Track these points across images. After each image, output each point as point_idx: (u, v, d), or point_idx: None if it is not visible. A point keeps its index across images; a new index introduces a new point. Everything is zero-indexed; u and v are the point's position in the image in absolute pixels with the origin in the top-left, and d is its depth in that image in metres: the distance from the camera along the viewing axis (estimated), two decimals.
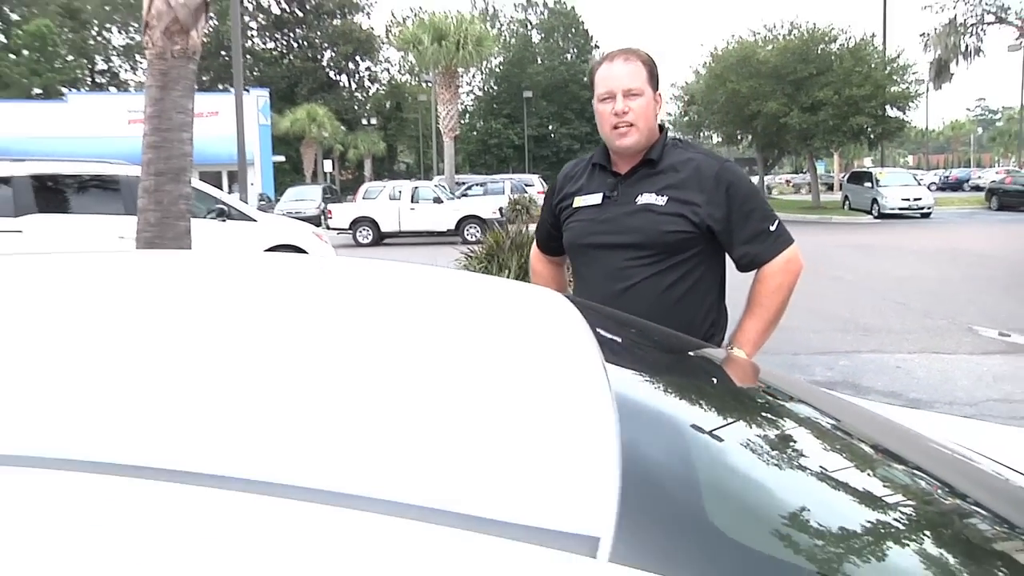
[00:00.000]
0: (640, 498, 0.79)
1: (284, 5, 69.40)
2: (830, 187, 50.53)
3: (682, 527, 0.81)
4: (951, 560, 1.03)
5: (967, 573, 1.02)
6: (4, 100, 44.68)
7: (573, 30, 75.65)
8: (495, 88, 73.23)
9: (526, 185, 30.43)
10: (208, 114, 33.48)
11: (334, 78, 70.85)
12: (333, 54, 69.79)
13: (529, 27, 77.46)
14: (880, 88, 31.78)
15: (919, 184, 33.69)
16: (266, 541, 0.65)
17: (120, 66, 67.67)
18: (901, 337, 8.65)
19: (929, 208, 30.80)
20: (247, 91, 34.69)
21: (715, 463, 1.08)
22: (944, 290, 11.95)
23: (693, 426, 1.19)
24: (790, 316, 8.55)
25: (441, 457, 0.83)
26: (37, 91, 52.01)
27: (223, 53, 55.23)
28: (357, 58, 71.01)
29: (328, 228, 23.54)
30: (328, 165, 54.14)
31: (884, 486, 1.25)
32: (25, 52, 54.90)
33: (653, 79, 2.45)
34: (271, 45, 70.12)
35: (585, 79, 2.52)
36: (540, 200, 16.95)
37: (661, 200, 2.42)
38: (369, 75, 73.80)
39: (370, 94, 73.07)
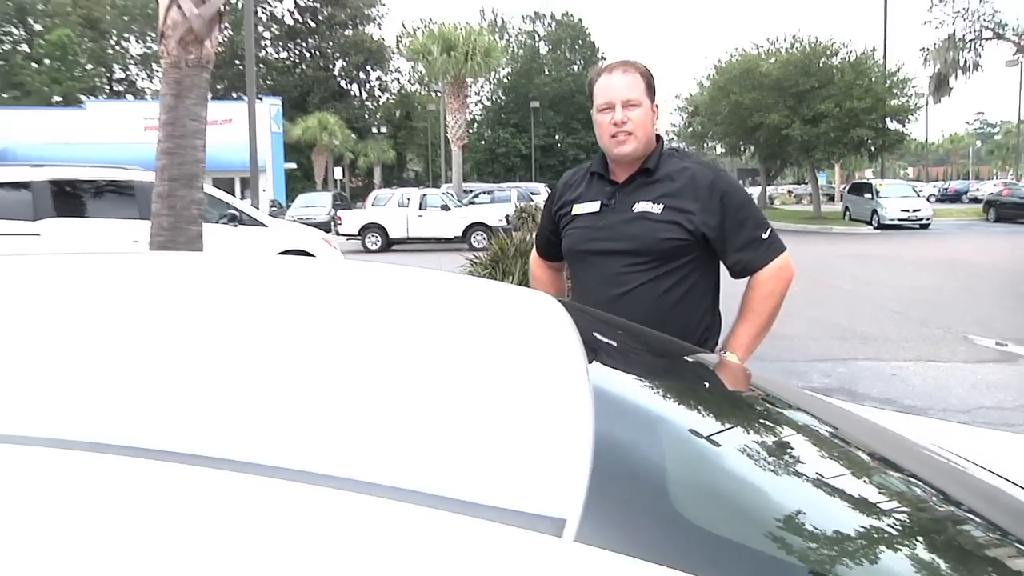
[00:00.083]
0: (609, 485, 0.83)
1: (297, 16, 69.73)
2: (831, 198, 50.49)
3: (647, 513, 0.85)
4: (917, 553, 1.05)
5: (941, 570, 1.04)
6: (26, 107, 45.01)
7: (580, 42, 75.73)
8: (503, 98, 73.34)
9: (532, 193, 30.43)
10: (222, 122, 33.60)
11: (345, 87, 71.10)
12: (344, 64, 70.03)
13: (537, 39, 77.58)
14: (880, 101, 31.75)
15: (918, 196, 33.64)
16: (254, 517, 0.69)
17: (137, 74, 68.12)
18: (898, 345, 8.65)
19: (928, 219, 30.76)
20: (260, 99, 34.82)
21: (685, 456, 1.12)
22: (941, 299, 11.94)
23: (668, 421, 1.23)
24: (789, 324, 8.60)
25: (422, 443, 0.86)
26: (57, 99, 52.32)
27: (237, 62, 55.44)
28: (368, 68, 71.28)
29: (338, 234, 23.58)
30: (339, 172, 54.27)
31: (852, 478, 1.29)
32: (47, 61, 55.30)
33: (651, 90, 2.47)
34: (284, 55, 70.40)
35: None
36: None
37: (657, 208, 2.44)
38: (379, 84, 74.17)
39: (380, 103, 73.33)
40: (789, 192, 65.58)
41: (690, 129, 45.03)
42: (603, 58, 74.03)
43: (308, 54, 70.22)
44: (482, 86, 71.78)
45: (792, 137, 33.05)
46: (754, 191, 55.31)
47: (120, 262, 1.79)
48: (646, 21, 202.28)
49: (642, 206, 2.45)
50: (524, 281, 7.45)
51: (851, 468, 1.34)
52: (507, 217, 23.47)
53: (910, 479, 1.38)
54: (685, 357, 1.87)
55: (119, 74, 67.93)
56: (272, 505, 0.70)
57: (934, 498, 1.33)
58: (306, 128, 50.87)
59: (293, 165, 47.38)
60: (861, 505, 1.17)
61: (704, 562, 0.75)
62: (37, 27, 60.12)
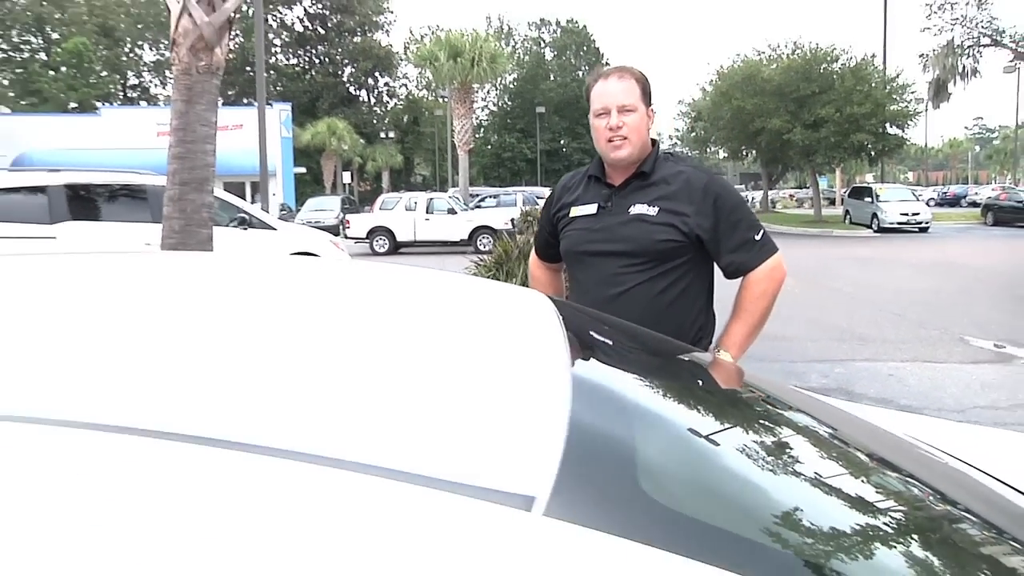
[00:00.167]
0: (581, 467, 0.87)
1: (307, 23, 69.85)
2: (832, 201, 50.47)
3: (615, 493, 0.90)
4: (889, 540, 1.08)
5: (915, 560, 1.07)
6: (43, 114, 45.22)
7: (585, 48, 75.78)
8: (509, 103, 73.41)
9: (537, 197, 30.43)
10: (233, 127, 33.69)
11: (354, 93, 71.20)
12: (353, 70, 70.13)
13: (542, 45, 77.65)
14: (880, 106, 31.73)
15: (918, 200, 33.59)
16: (241, 490, 0.74)
17: (151, 81, 68.30)
18: (895, 346, 8.65)
19: (927, 223, 30.70)
20: (270, 105, 34.97)
21: (656, 441, 1.17)
22: (938, 302, 11.93)
23: (644, 410, 1.28)
24: (789, 325, 8.61)
25: (404, 426, 0.92)
26: (73, 105, 52.53)
27: (248, 68, 55.54)
28: (376, 74, 71.36)
29: (346, 237, 23.63)
30: (347, 177, 54.33)
31: (821, 461, 1.33)
32: (63, 69, 55.54)
33: (646, 96, 2.50)
34: (294, 61, 70.53)
35: None
36: None
37: (653, 211, 2.46)
38: (387, 90, 74.23)
39: (388, 108, 73.39)
40: (791, 196, 65.49)
41: (693, 134, 45.11)
42: (607, 64, 74.04)
43: (318, 60, 70.36)
44: (488, 92, 71.94)
45: (793, 142, 33.04)
46: (756, 195, 55.37)
47: (136, 261, 1.84)
48: (649, 28, 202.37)
49: (638, 208, 2.48)
50: (527, 283, 7.46)
51: (820, 451, 1.39)
52: (512, 221, 23.50)
53: (876, 463, 1.41)
54: (668, 352, 1.91)
55: (133, 81, 68.17)
56: (260, 482, 0.75)
57: (901, 479, 1.37)
58: (315, 133, 50.97)
59: (303, 169, 47.47)
60: (823, 484, 1.22)
61: (665, 537, 0.79)
62: (54, 36, 60.46)
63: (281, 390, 0.98)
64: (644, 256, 2.47)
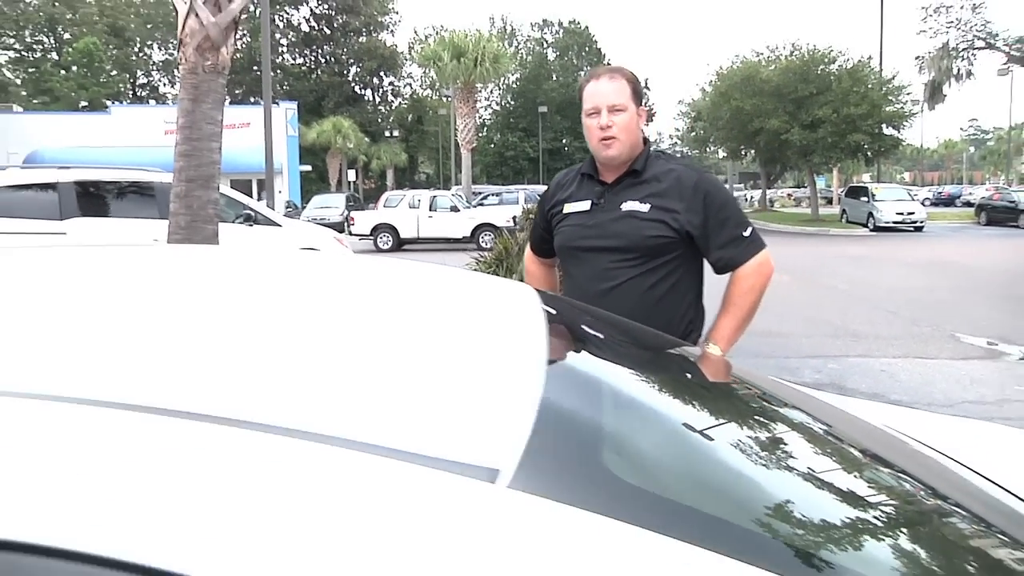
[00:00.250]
0: (547, 444, 0.92)
1: (313, 23, 69.82)
2: (829, 201, 50.36)
3: (579, 469, 0.95)
4: (847, 515, 1.11)
5: (873, 537, 1.10)
6: (54, 112, 45.27)
7: (587, 49, 75.71)
8: (512, 103, 73.37)
9: (539, 196, 30.36)
10: (240, 125, 33.74)
11: (359, 92, 71.19)
12: (358, 69, 70.11)
13: (545, 45, 77.59)
14: (876, 108, 31.71)
15: (913, 199, 33.58)
16: (213, 461, 0.79)
17: (159, 80, 68.37)
18: (888, 343, 8.67)
19: (922, 222, 30.70)
20: (276, 104, 34.96)
21: (625, 423, 1.22)
22: (931, 299, 11.95)
23: (615, 394, 1.33)
24: (784, 322, 8.62)
25: (380, 402, 0.97)
26: (84, 104, 52.60)
27: (255, 68, 55.59)
28: (381, 73, 71.34)
29: (351, 234, 23.68)
30: (352, 175, 54.28)
31: (777, 439, 1.38)
32: (74, 68, 55.69)
33: (636, 95, 2.52)
34: (300, 61, 70.52)
35: None
36: None
37: (644, 207, 2.49)
38: (392, 89, 74.23)
39: (393, 108, 73.38)
40: (789, 195, 65.37)
41: (693, 133, 45.09)
42: (609, 64, 74.00)
43: (323, 60, 70.34)
44: (492, 91, 71.88)
45: (791, 142, 33.03)
46: (755, 194, 55.30)
47: (140, 253, 1.88)
48: (650, 29, 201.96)
49: (630, 205, 2.50)
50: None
51: (787, 434, 1.43)
52: (514, 218, 23.50)
53: (841, 444, 1.45)
54: (646, 342, 1.94)
55: (142, 80, 68.25)
56: (229, 452, 0.79)
57: (867, 460, 1.40)
58: (321, 132, 50.97)
59: (308, 167, 47.44)
60: (786, 462, 1.27)
61: (626, 510, 0.83)
62: (66, 36, 60.61)
63: (259, 367, 1.04)
64: (635, 252, 2.49)
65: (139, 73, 67.53)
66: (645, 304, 2.48)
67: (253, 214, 11.73)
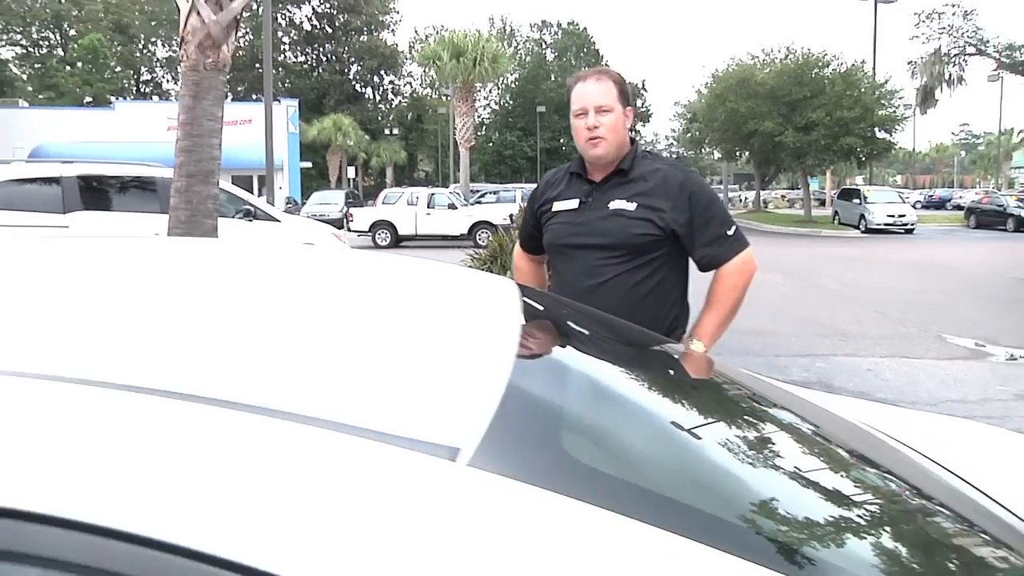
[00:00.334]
0: (510, 426, 0.96)
1: (315, 22, 69.75)
2: (823, 202, 50.45)
3: (538, 450, 1.00)
4: (803, 497, 1.15)
5: (827, 515, 1.12)
6: (59, 107, 45.20)
7: (585, 50, 75.67)
8: (511, 103, 73.32)
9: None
10: (241, 122, 33.66)
11: (360, 90, 71.13)
12: (359, 68, 70.05)
13: (543, 46, 77.54)
14: (869, 111, 31.78)
15: (904, 202, 33.63)
16: (186, 437, 0.83)
17: (163, 77, 68.30)
18: (875, 342, 8.70)
19: (912, 224, 30.74)
20: (278, 101, 34.89)
21: (588, 409, 1.27)
22: (919, 300, 11.98)
23: (583, 382, 1.36)
24: (775, 321, 8.64)
25: (344, 382, 1.03)
26: (88, 99, 52.54)
27: (257, 65, 55.50)
28: (382, 72, 71.29)
29: (349, 230, 23.67)
30: (352, 172, 54.23)
31: (731, 424, 1.42)
32: (79, 64, 55.63)
33: (623, 96, 2.54)
34: (302, 59, 70.44)
35: None
36: None
37: (631, 206, 2.51)
38: (392, 88, 74.19)
39: (393, 106, 73.32)
40: (782, 196, 65.45)
41: (688, 135, 45.09)
42: (606, 65, 74.01)
43: (325, 58, 70.26)
44: (491, 91, 71.84)
45: (785, 144, 33.09)
46: (749, 195, 55.33)
47: (140, 244, 1.92)
48: (648, 31, 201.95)
49: (617, 204, 2.53)
50: None
51: (743, 417, 1.49)
52: (511, 216, 23.51)
53: (796, 426, 1.48)
54: (622, 335, 1.98)
55: (146, 76, 68.18)
56: (201, 429, 0.84)
57: (829, 448, 1.43)
58: (322, 129, 50.90)
59: (309, 164, 47.39)
60: (739, 448, 1.31)
61: (580, 489, 0.86)
62: (71, 32, 60.59)
63: (232, 348, 1.09)
64: (622, 249, 2.51)
65: (143, 69, 67.47)
66: (631, 300, 2.51)
67: (252, 210, 11.75)
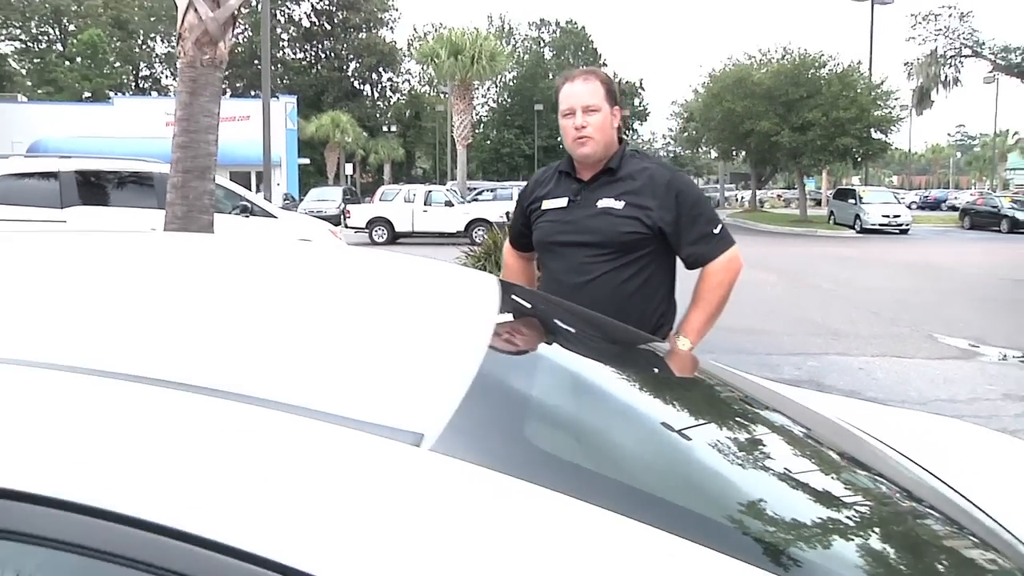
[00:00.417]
0: (474, 414, 1.00)
1: (314, 19, 69.71)
2: (819, 202, 50.48)
3: (503, 438, 1.04)
4: (765, 485, 1.18)
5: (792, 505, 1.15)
6: (58, 102, 45.15)
7: (583, 48, 75.67)
8: (509, 101, 73.25)
9: None
10: (240, 118, 33.65)
11: (358, 87, 71.11)
12: (358, 65, 70.02)
13: (542, 44, 77.50)
14: (865, 112, 31.79)
15: (899, 202, 33.67)
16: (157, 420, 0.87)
17: (162, 72, 68.19)
18: (867, 342, 8.72)
19: (907, 225, 30.78)
20: (276, 98, 34.86)
21: (553, 400, 1.31)
22: (912, 300, 12.02)
23: (553, 373, 1.39)
24: (768, 320, 8.66)
25: (323, 372, 1.07)
26: (87, 94, 52.49)
27: (256, 62, 55.42)
28: (380, 69, 71.28)
29: (346, 227, 23.67)
30: (350, 168, 54.20)
31: (694, 412, 1.45)
32: (78, 59, 55.58)
33: (611, 96, 2.56)
34: (301, 55, 70.41)
35: None
36: None
37: (619, 204, 2.54)
38: (391, 85, 74.18)
39: (391, 103, 73.31)
40: (779, 196, 65.44)
41: (685, 134, 45.10)
42: (605, 64, 74.02)
43: (323, 55, 70.21)
44: (489, 88, 71.80)
45: (781, 144, 33.10)
46: (745, 194, 55.36)
47: (123, 240, 1.95)
48: (646, 30, 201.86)
49: (605, 202, 2.55)
50: None
51: (704, 409, 1.52)
52: (507, 214, 23.41)
53: (759, 414, 1.51)
54: (598, 329, 2.01)
55: (145, 72, 68.09)
56: (173, 412, 0.88)
57: (796, 435, 1.46)
58: (320, 126, 50.88)
59: (307, 161, 47.36)
60: (700, 436, 1.35)
61: (539, 475, 0.90)
62: (70, 27, 60.51)
63: (213, 337, 1.14)
64: (610, 247, 2.54)
65: (142, 65, 67.37)
66: (619, 297, 2.53)
67: (249, 206, 11.77)
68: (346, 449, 0.85)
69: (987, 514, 1.39)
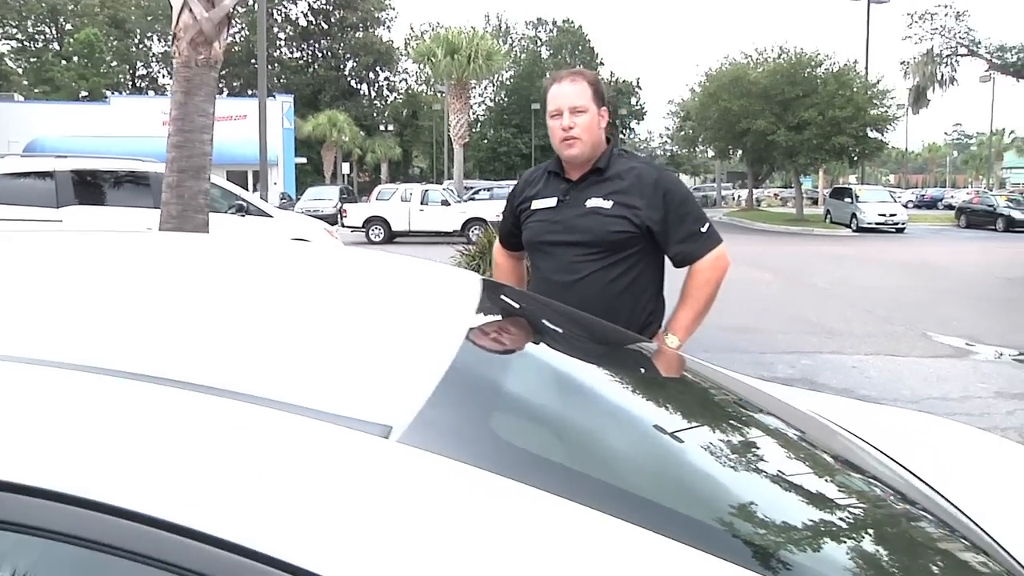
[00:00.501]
0: (444, 407, 1.03)
1: (311, 18, 69.67)
2: (815, 201, 50.52)
3: (470, 431, 1.07)
4: (727, 474, 1.20)
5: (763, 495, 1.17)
6: (55, 101, 45.12)
7: (580, 48, 75.69)
8: (506, 100, 73.28)
9: None
10: (236, 117, 33.62)
11: (355, 86, 71.07)
12: (355, 64, 69.99)
13: (539, 44, 77.55)
14: (861, 111, 31.81)
15: (895, 201, 33.71)
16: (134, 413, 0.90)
17: (159, 71, 68.14)
18: (861, 340, 8.75)
19: (903, 223, 30.82)
20: (273, 97, 34.85)
21: (527, 394, 1.35)
22: (907, 299, 12.05)
23: (526, 369, 1.42)
24: (763, 318, 8.68)
25: (296, 366, 1.10)
26: (84, 94, 52.44)
27: (253, 61, 55.32)
28: (377, 68, 71.25)
29: (343, 226, 23.67)
30: (347, 167, 54.15)
31: (669, 405, 1.47)
32: (75, 58, 55.54)
33: (598, 96, 2.59)
34: (297, 55, 70.38)
35: None
36: None
37: (607, 204, 2.56)
38: (388, 84, 74.14)
39: (388, 102, 73.28)
40: (775, 195, 65.48)
41: (682, 133, 45.18)
42: (601, 63, 74.16)
43: (320, 54, 70.19)
44: (486, 88, 71.82)
45: (777, 143, 33.13)
46: (742, 193, 55.38)
47: (112, 240, 1.97)
48: (642, 29, 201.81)
49: (594, 202, 2.57)
50: None
51: (672, 401, 1.54)
52: (503, 212, 23.45)
53: (736, 405, 1.53)
54: (577, 326, 2.04)
55: (142, 71, 68.07)
56: (147, 404, 0.90)
57: (765, 424, 1.49)
58: (317, 125, 50.83)
59: (304, 160, 47.36)
60: (668, 429, 1.38)
61: (505, 466, 0.93)
62: (67, 26, 60.46)
63: (194, 332, 1.18)
64: (599, 246, 2.56)
65: (139, 64, 67.33)
66: (608, 296, 2.56)
67: (245, 205, 11.79)
68: (313, 440, 0.88)
69: (964, 512, 1.40)
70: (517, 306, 1.99)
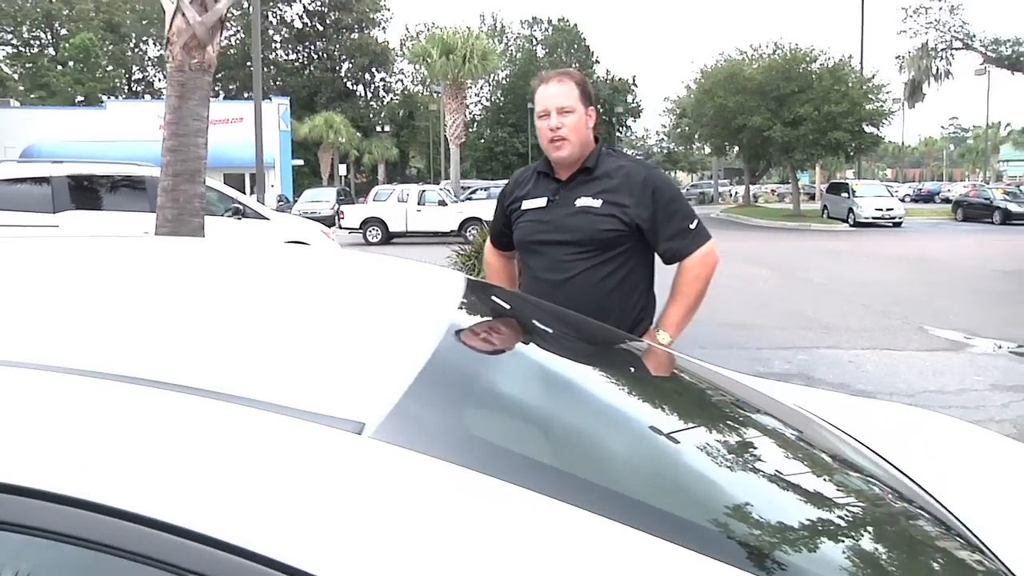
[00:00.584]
0: (417, 404, 1.05)
1: (306, 20, 69.64)
2: (812, 197, 50.52)
3: (443, 427, 1.09)
4: (701, 467, 1.22)
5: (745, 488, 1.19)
6: (51, 107, 45.12)
7: (575, 46, 75.67)
8: (502, 99, 73.23)
9: None
10: (233, 120, 33.61)
11: (351, 88, 71.05)
12: (351, 65, 69.98)
13: (534, 43, 77.46)
14: (856, 106, 31.80)
15: (892, 196, 33.70)
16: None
17: (155, 76, 68.08)
18: (858, 335, 8.76)
19: (900, 218, 30.81)
20: (269, 99, 34.85)
21: (504, 392, 1.37)
22: (903, 293, 12.06)
23: (506, 366, 1.44)
24: (759, 314, 8.70)
25: (273, 366, 1.12)
26: (80, 98, 52.44)
27: (249, 64, 55.18)
28: (373, 69, 71.23)
29: (340, 228, 23.67)
30: (344, 169, 54.14)
31: (644, 398, 1.49)
32: (71, 63, 55.55)
33: (585, 96, 2.60)
34: (293, 57, 70.34)
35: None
36: None
37: (597, 203, 2.58)
38: (384, 85, 74.09)
39: (384, 103, 73.24)
40: (772, 191, 65.53)
41: (678, 130, 45.11)
42: (597, 62, 74.12)
43: (316, 56, 70.17)
44: (482, 87, 71.74)
45: (773, 139, 33.11)
46: (739, 189, 55.42)
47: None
48: (638, 27, 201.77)
49: (583, 201, 2.59)
50: None
51: (648, 396, 1.56)
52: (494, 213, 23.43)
53: (714, 396, 1.55)
54: (560, 324, 2.06)
55: (137, 75, 68.07)
56: (127, 404, 0.92)
57: (745, 418, 1.50)
58: (313, 127, 50.83)
59: (300, 162, 47.41)
60: (642, 424, 1.41)
61: (477, 462, 0.95)
62: (62, 31, 60.46)
63: (167, 331, 1.20)
64: (589, 245, 2.58)
65: (134, 68, 67.36)
66: (599, 294, 2.58)
67: (242, 208, 11.81)
68: (286, 437, 0.90)
69: (943, 506, 1.41)
70: (501, 305, 2.01)
